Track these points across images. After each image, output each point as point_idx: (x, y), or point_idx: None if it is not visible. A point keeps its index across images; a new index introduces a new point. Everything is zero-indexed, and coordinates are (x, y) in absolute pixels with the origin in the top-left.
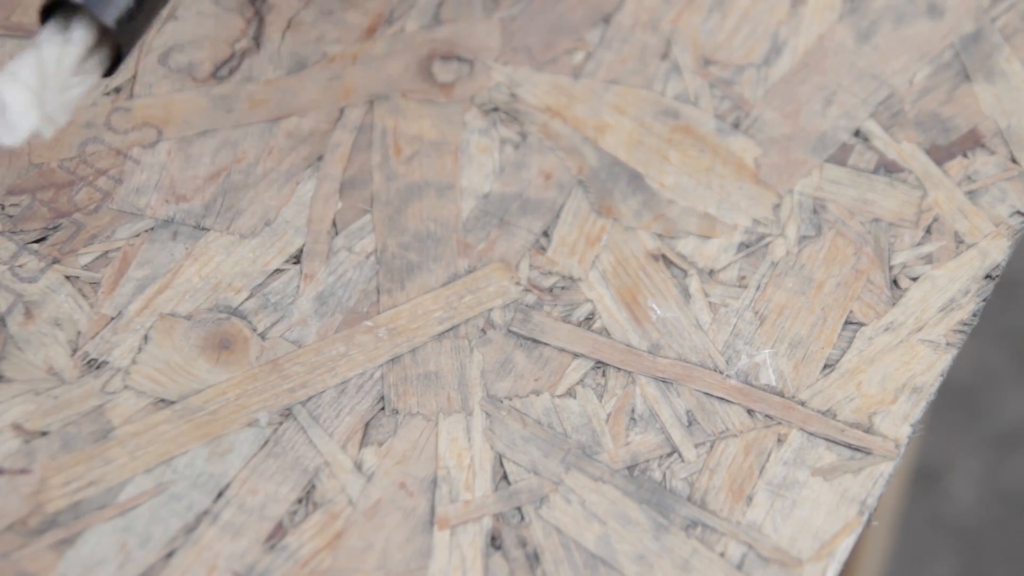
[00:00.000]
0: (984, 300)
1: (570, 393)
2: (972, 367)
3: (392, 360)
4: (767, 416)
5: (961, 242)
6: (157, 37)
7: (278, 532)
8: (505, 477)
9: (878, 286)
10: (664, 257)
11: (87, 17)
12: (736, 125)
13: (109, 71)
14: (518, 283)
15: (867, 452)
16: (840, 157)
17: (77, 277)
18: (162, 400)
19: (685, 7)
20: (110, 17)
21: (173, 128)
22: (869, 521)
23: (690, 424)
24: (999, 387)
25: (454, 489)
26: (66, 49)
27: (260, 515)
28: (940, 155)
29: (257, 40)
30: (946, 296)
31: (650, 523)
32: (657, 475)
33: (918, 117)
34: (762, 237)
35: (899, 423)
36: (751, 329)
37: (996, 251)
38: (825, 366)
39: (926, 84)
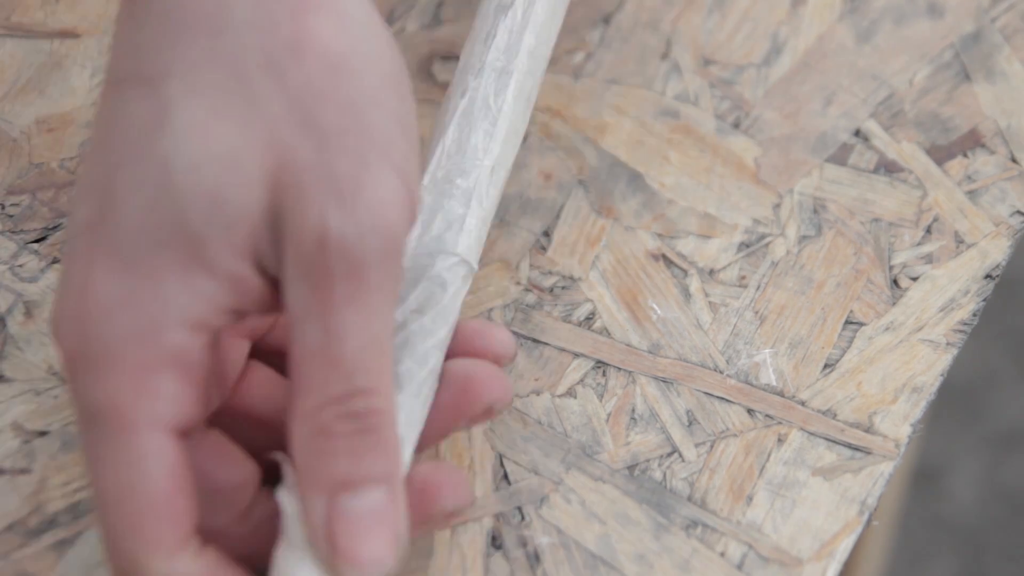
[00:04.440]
0: (984, 300)
1: (570, 393)
2: (972, 367)
3: None
4: (767, 416)
5: (961, 242)
6: None
7: None
8: (505, 477)
9: (878, 286)
10: (664, 257)
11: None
12: (736, 125)
13: None
14: (518, 283)
15: (867, 452)
16: (840, 157)
17: None
18: None
19: (685, 7)
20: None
21: None
22: (869, 521)
23: (690, 424)
24: (999, 387)
25: None
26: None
27: None
28: (940, 155)
29: None
30: (946, 296)
31: (650, 523)
32: (657, 475)
33: (918, 117)
34: (762, 237)
35: (899, 423)
36: (751, 329)
37: (996, 251)
38: (825, 366)
39: (926, 84)
